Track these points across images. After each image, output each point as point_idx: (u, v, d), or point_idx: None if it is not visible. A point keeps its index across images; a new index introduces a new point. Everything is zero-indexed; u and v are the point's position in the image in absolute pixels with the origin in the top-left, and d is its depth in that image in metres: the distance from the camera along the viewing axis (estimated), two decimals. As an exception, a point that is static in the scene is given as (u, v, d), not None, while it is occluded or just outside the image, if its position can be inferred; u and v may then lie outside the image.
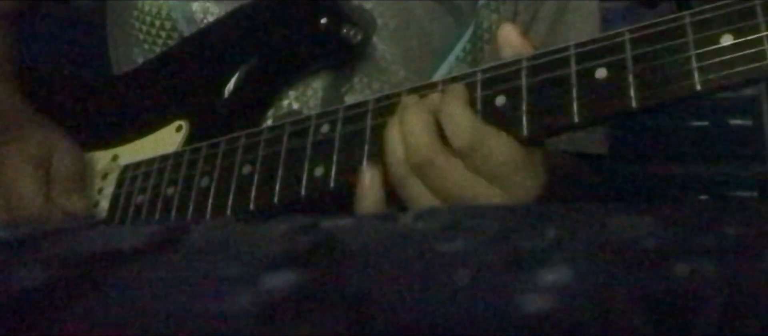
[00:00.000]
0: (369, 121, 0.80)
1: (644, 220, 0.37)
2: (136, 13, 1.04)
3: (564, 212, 0.43)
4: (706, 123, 1.94)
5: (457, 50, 0.99)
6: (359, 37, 0.95)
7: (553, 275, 0.28)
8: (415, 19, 0.99)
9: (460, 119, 0.71)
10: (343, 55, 0.97)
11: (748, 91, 1.90)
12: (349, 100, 0.97)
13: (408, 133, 0.73)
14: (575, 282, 0.27)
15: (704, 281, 0.27)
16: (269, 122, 0.95)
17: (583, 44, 0.72)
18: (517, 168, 0.71)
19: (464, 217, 0.39)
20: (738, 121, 1.93)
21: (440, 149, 0.72)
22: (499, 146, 0.71)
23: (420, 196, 0.73)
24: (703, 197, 1.96)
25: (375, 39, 0.98)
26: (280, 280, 0.28)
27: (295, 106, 0.97)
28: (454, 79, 0.76)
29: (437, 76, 0.98)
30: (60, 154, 0.93)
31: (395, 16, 0.98)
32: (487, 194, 0.71)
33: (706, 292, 0.26)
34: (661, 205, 0.41)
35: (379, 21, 0.97)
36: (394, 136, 0.74)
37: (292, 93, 0.97)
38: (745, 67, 0.67)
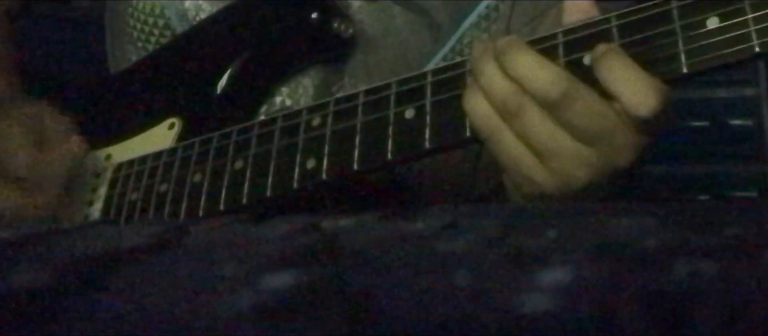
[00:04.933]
0: (360, 115, 0.80)
1: (644, 220, 0.37)
2: (130, 10, 1.04)
3: (564, 212, 0.43)
4: (706, 123, 1.94)
5: (430, 66, 0.99)
6: (351, 32, 0.95)
7: (553, 275, 0.28)
8: (393, 30, 0.99)
9: (644, 84, 0.68)
10: (335, 51, 0.97)
11: (748, 91, 1.90)
12: None
13: (490, 84, 0.71)
14: (575, 282, 0.27)
15: (704, 281, 0.27)
16: (262, 119, 0.96)
17: (571, 31, 0.73)
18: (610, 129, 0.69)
19: (464, 217, 0.39)
20: (738, 121, 1.93)
21: (528, 98, 0.70)
22: (592, 101, 0.69)
23: (512, 147, 0.71)
24: (703, 197, 1.96)
25: (358, 38, 0.98)
26: (280, 280, 0.28)
27: (288, 102, 0.97)
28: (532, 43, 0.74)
29: None
30: (52, 120, 0.94)
31: (375, 25, 0.98)
32: (576, 150, 0.70)
33: (706, 292, 0.26)
34: (661, 205, 0.41)
35: (358, 26, 0.97)
36: (472, 96, 0.73)
37: (284, 90, 0.97)
38: (730, 49, 0.68)
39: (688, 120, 1.94)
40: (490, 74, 0.72)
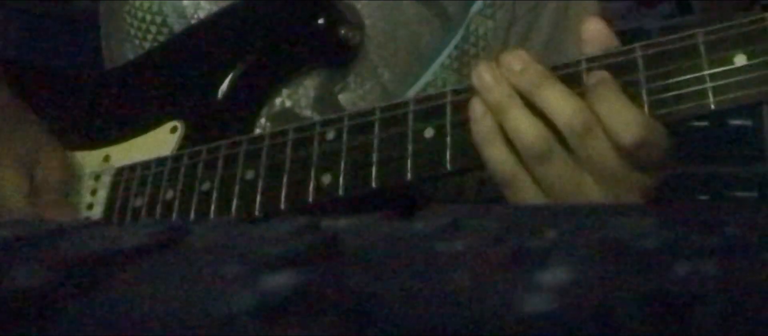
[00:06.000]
0: (377, 131, 0.79)
1: (644, 220, 0.37)
2: (127, 7, 1.03)
3: (564, 212, 0.43)
4: (706, 123, 1.94)
5: (443, 56, 0.98)
6: (358, 38, 0.94)
7: (553, 275, 0.28)
8: (403, 22, 0.98)
9: (628, 113, 0.68)
10: (341, 56, 0.96)
11: (748, 91, 1.90)
12: (343, 99, 0.97)
13: (517, 127, 0.70)
14: (575, 282, 0.27)
15: (704, 281, 0.27)
16: (263, 120, 0.95)
17: (594, 60, 0.72)
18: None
19: (464, 217, 0.39)
20: (738, 121, 1.93)
21: (556, 140, 0.70)
22: (664, 138, 0.69)
23: (529, 193, 0.71)
24: (703, 197, 1.96)
25: (365, 39, 0.97)
26: (280, 280, 0.28)
27: (288, 103, 0.96)
28: (557, 68, 0.73)
29: (421, 82, 0.97)
30: (46, 159, 0.92)
31: (384, 18, 0.98)
32: (593, 191, 0.70)
33: (706, 292, 0.26)
34: (661, 205, 0.41)
35: (368, 22, 0.96)
36: (492, 141, 0.71)
37: (284, 91, 0.97)
38: (759, 89, 0.67)
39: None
40: (517, 116, 0.71)
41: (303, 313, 0.25)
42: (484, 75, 0.73)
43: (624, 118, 0.67)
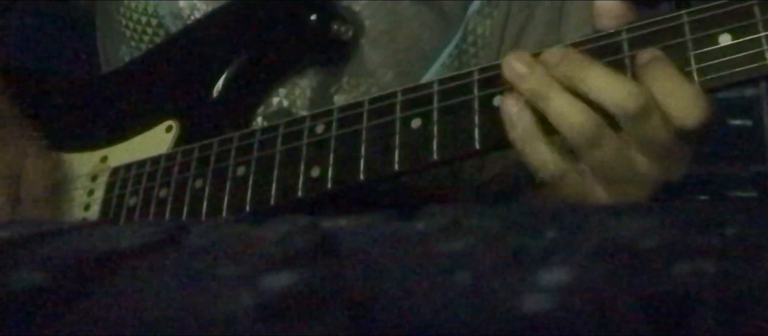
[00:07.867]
0: (365, 123, 0.79)
1: (644, 220, 0.37)
2: (123, 10, 1.03)
3: (564, 212, 0.43)
4: (705, 123, 1.94)
5: (444, 56, 0.98)
6: (350, 35, 0.94)
7: (553, 275, 0.28)
8: (404, 22, 0.98)
9: (687, 94, 0.65)
10: (333, 53, 0.96)
11: (748, 91, 1.90)
12: (338, 99, 0.97)
13: (563, 112, 0.67)
14: (575, 282, 0.27)
15: (704, 281, 0.27)
16: (259, 120, 0.95)
17: (580, 44, 0.72)
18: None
19: (464, 217, 0.39)
20: (738, 121, 1.93)
21: (605, 123, 0.67)
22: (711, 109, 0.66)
23: (578, 187, 0.68)
24: (703, 197, 1.96)
25: (363, 41, 0.97)
26: (279, 280, 0.28)
27: (285, 103, 0.96)
28: (576, 44, 0.71)
29: (423, 82, 0.97)
30: (32, 166, 0.92)
31: (385, 19, 0.97)
32: (646, 168, 0.69)
33: (706, 292, 0.26)
34: (661, 205, 0.41)
35: (368, 22, 0.96)
36: (537, 144, 0.68)
37: (281, 90, 0.97)
38: (744, 67, 0.67)
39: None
40: (561, 101, 0.68)
41: (303, 313, 0.25)
42: (515, 64, 0.69)
43: (684, 101, 0.65)
